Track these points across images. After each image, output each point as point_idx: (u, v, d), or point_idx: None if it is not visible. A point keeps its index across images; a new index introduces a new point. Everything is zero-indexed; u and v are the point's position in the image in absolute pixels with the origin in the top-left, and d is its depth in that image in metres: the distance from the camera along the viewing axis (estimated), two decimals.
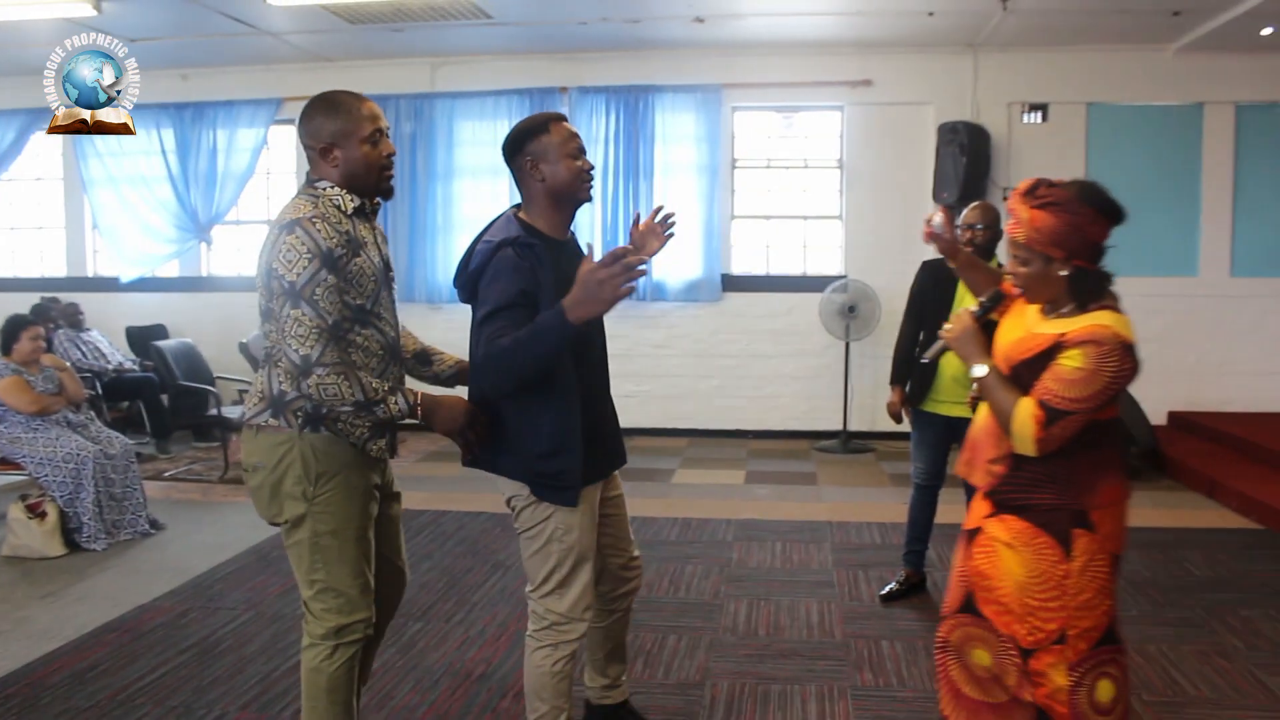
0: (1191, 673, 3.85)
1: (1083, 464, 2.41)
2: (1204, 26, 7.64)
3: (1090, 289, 2.39)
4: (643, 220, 3.26)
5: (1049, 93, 8.58)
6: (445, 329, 9.03)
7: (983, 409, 2.59)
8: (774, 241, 9.16)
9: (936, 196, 8.46)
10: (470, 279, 2.69)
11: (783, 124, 9.33)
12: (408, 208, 9.10)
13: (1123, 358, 2.30)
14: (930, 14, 7.59)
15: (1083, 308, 2.39)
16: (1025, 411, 2.36)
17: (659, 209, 3.29)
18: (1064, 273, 2.38)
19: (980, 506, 2.59)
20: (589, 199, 2.82)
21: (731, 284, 8.99)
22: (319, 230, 2.48)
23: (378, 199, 2.74)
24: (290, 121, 9.43)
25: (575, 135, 2.76)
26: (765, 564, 5.30)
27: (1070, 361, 2.32)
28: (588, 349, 2.80)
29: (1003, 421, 2.43)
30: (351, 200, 2.64)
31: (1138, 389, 7.70)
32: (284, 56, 9.03)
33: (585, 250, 2.94)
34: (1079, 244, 2.35)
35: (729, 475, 7.59)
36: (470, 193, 9.14)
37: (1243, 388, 8.61)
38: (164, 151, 9.47)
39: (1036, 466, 2.42)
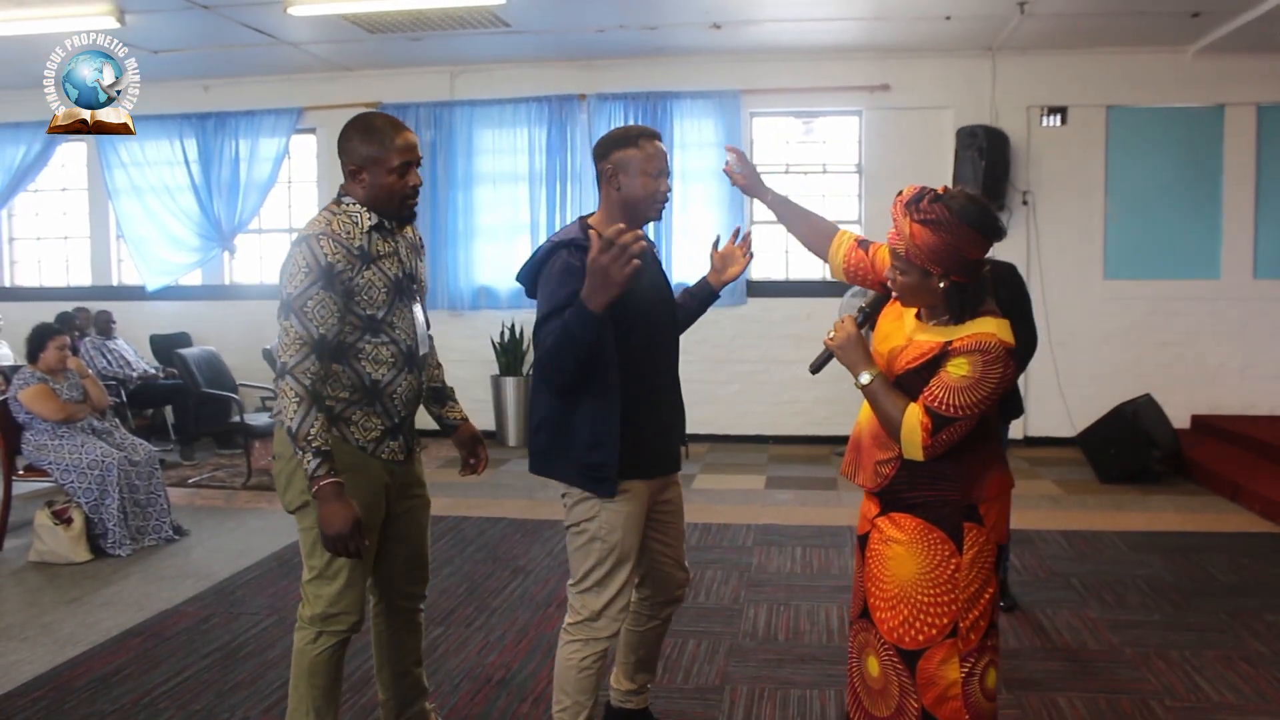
0: (1215, 678, 3.82)
1: (971, 461, 2.46)
2: (1224, 27, 7.59)
3: (965, 303, 2.42)
4: (723, 243, 3.32)
5: (1068, 96, 8.55)
6: (466, 335, 9.13)
7: (865, 410, 2.59)
8: (793, 246, 9.16)
9: None
10: (530, 274, 2.85)
11: (801, 129, 9.35)
12: (428, 215, 9.13)
13: (1006, 363, 2.36)
14: (948, 18, 7.58)
15: (958, 320, 2.42)
16: (913, 419, 2.39)
17: (738, 230, 3.35)
18: (941, 285, 2.39)
19: (869, 508, 2.63)
20: (658, 218, 2.94)
21: (752, 289, 9.00)
22: (322, 247, 2.63)
23: (400, 222, 2.87)
24: (311, 130, 9.52)
25: (661, 156, 2.87)
26: (785, 569, 5.29)
27: (957, 370, 2.36)
28: (652, 351, 2.90)
29: (890, 429, 2.44)
30: (370, 218, 2.76)
31: (1161, 392, 7.72)
32: (304, 66, 9.11)
33: (651, 243, 3.06)
34: (956, 262, 2.35)
35: (749, 480, 7.59)
36: (490, 200, 9.20)
37: (1267, 391, 8.53)
38: (187, 161, 9.57)
39: (927, 465, 2.44)
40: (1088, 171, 8.58)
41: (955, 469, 2.44)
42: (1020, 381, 8.47)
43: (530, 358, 8.90)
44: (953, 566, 2.44)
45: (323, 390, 2.69)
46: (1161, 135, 8.54)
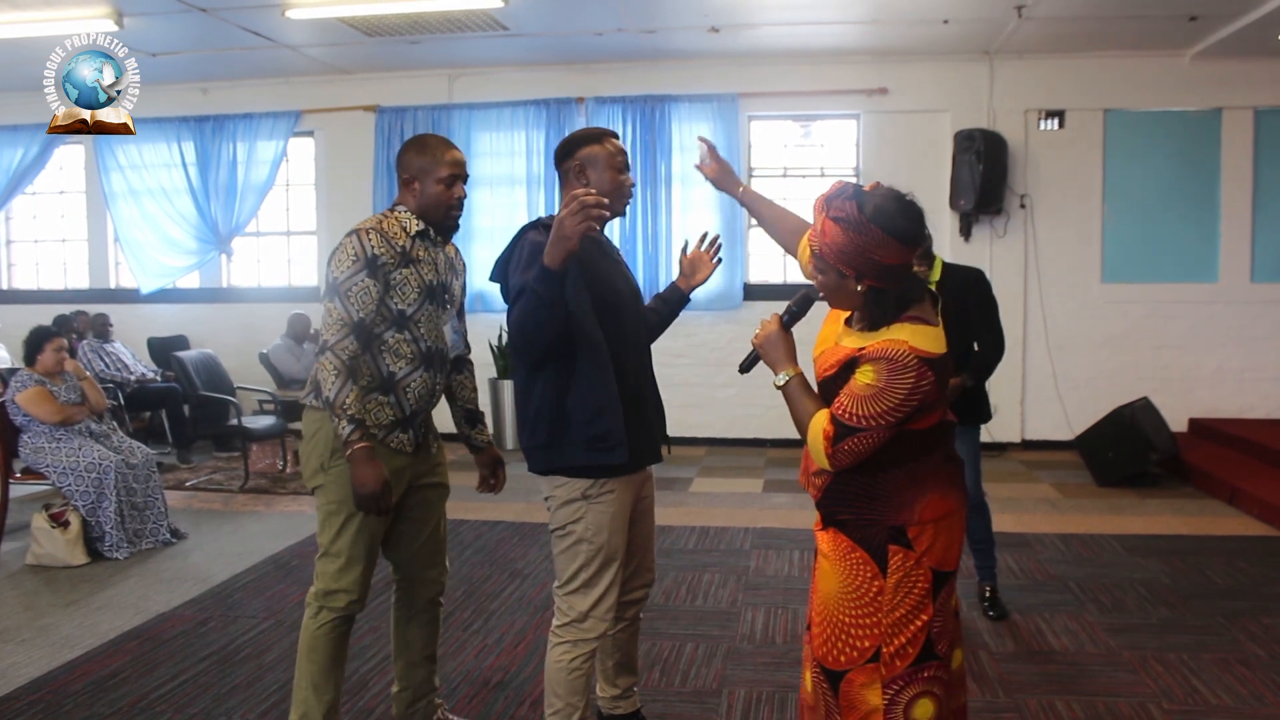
0: (1212, 681, 3.82)
1: (897, 479, 2.33)
2: (1221, 31, 7.61)
3: (885, 311, 2.29)
4: (690, 248, 3.33)
5: (1066, 99, 8.56)
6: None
7: None
8: None
9: (954, 204, 8.45)
10: (502, 265, 2.90)
11: (799, 132, 9.36)
12: None
13: (919, 373, 2.20)
14: (945, 22, 7.59)
15: (874, 326, 2.30)
16: (817, 425, 2.30)
17: (705, 235, 3.36)
18: (859, 288, 2.27)
19: (816, 519, 2.52)
20: (623, 214, 3.00)
21: (750, 292, 9.00)
22: (370, 239, 2.89)
23: (443, 233, 3.10)
24: (309, 134, 9.53)
25: (624, 153, 2.98)
26: (783, 572, 5.29)
27: (863, 377, 2.24)
28: (626, 346, 2.92)
29: (800, 432, 2.36)
30: (417, 224, 3.02)
31: (1159, 395, 7.72)
32: (302, 69, 9.11)
33: (619, 250, 3.15)
34: (866, 265, 2.22)
35: (747, 483, 7.59)
36: (488, 203, 9.19)
37: (1264, 394, 8.55)
38: (184, 164, 9.58)
39: (852, 481, 2.34)
40: (1085, 175, 8.59)
41: (880, 488, 2.33)
42: (1017, 385, 8.58)
43: None
44: (875, 589, 2.32)
45: (358, 369, 2.89)
46: (1159, 139, 8.56)
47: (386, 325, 2.94)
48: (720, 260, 3.34)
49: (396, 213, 3.02)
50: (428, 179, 2.99)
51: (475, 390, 3.41)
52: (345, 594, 2.99)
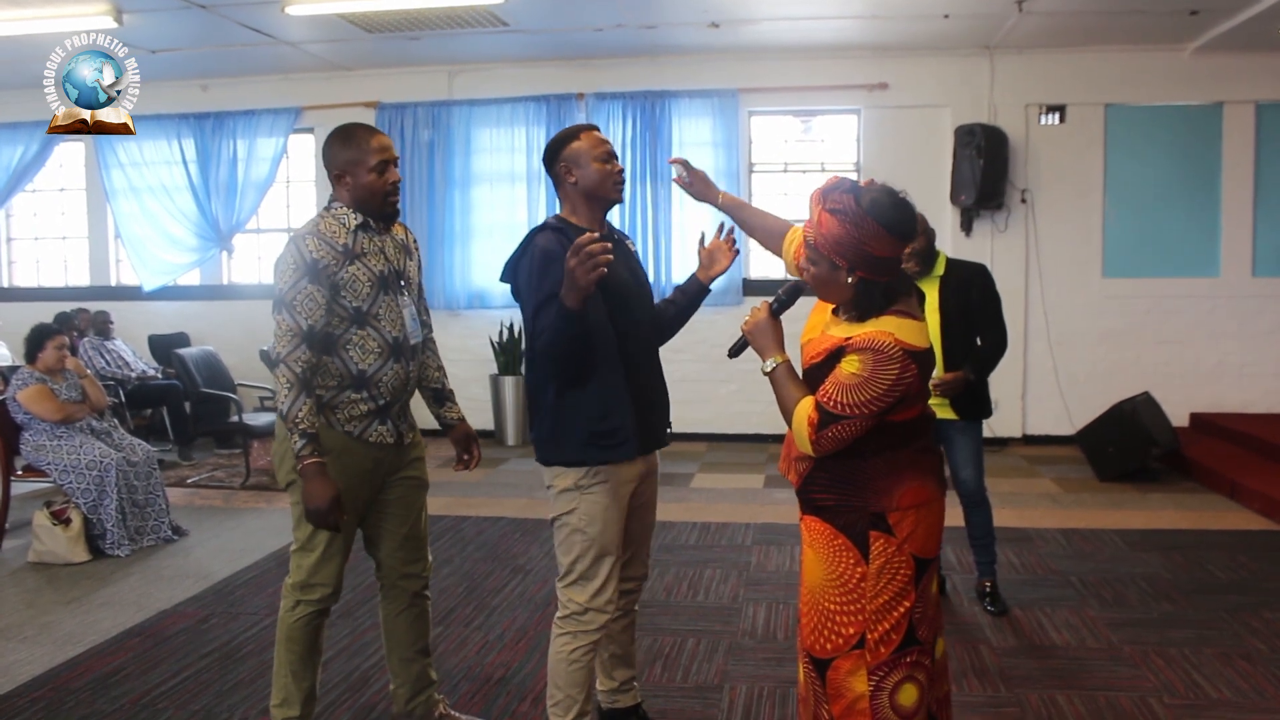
0: (1213, 675, 3.82)
1: (877, 467, 2.38)
2: (1222, 25, 7.59)
3: (873, 303, 2.34)
4: (708, 239, 3.34)
5: (1066, 94, 8.55)
6: (463, 334, 9.13)
7: None
8: None
9: (954, 199, 8.44)
10: (512, 267, 2.94)
11: (800, 128, 9.35)
12: (425, 215, 9.15)
13: (904, 365, 2.26)
14: (946, 16, 7.58)
15: (862, 317, 2.35)
16: (802, 412, 2.36)
17: (722, 225, 3.36)
18: (850, 280, 2.32)
19: (799, 510, 2.57)
20: (620, 199, 3.07)
21: (750, 288, 8.98)
22: (308, 245, 2.87)
23: (384, 220, 3.09)
24: (310, 130, 9.52)
25: (605, 142, 3.03)
26: (784, 567, 5.29)
27: (849, 366, 2.30)
28: (631, 334, 2.95)
29: (786, 419, 2.43)
30: (355, 218, 2.99)
31: (1160, 390, 7.72)
32: (302, 66, 9.11)
33: (624, 237, 3.23)
34: (859, 257, 2.28)
35: (748, 479, 7.59)
36: (488, 199, 9.19)
37: (1265, 389, 8.54)
38: (185, 161, 9.57)
39: (832, 467, 2.40)
40: (1086, 170, 8.59)
41: (860, 475, 2.39)
42: (1019, 380, 8.58)
43: None
44: (858, 575, 2.38)
45: (313, 379, 2.90)
46: (1160, 133, 8.55)
47: (346, 324, 2.93)
48: (739, 251, 3.35)
49: (333, 210, 2.99)
50: (358, 170, 2.96)
51: (441, 369, 3.39)
52: (322, 587, 3.07)
